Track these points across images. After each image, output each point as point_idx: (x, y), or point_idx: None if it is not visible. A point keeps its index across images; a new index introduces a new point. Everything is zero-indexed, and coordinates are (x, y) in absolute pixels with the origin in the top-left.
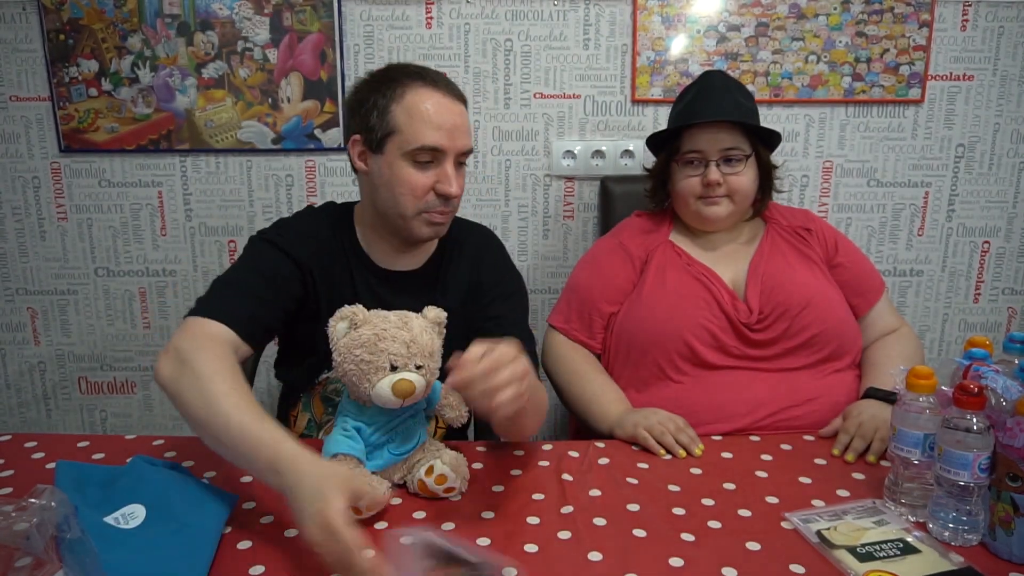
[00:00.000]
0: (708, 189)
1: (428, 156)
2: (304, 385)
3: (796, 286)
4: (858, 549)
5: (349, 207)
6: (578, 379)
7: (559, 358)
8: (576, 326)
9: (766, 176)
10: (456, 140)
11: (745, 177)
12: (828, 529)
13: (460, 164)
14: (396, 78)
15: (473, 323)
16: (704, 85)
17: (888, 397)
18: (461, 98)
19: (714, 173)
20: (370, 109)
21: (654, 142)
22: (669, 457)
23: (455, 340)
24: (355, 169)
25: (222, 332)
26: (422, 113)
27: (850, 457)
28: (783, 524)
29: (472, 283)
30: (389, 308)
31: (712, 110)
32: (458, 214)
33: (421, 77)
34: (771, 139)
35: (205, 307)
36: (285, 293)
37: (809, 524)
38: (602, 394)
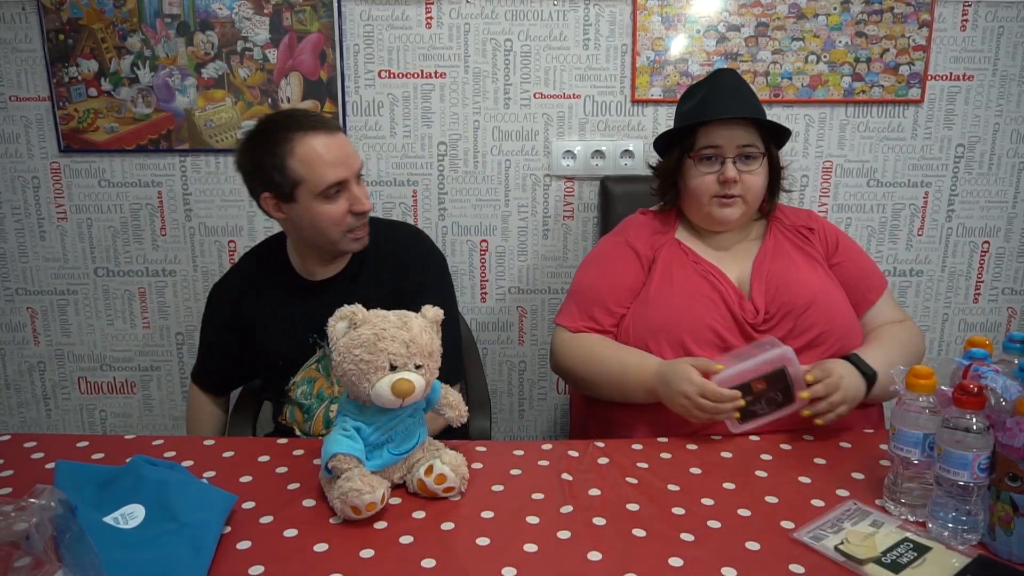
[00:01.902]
0: (724, 186)
1: (336, 188)
2: (277, 400)
3: (800, 285)
4: (883, 559)
5: (280, 238)
6: (594, 357)
7: (572, 353)
8: (585, 324)
9: (775, 176)
10: (352, 165)
11: (759, 176)
12: (843, 543)
13: (359, 179)
14: (277, 134)
15: None
16: (717, 82)
17: (867, 371)
18: (338, 127)
19: (731, 170)
20: (268, 170)
21: (663, 141)
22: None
23: None
24: (270, 215)
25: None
26: (316, 158)
27: (806, 413)
28: (793, 535)
29: (397, 284)
30: (313, 313)
31: (732, 106)
32: (454, 214)
33: (299, 125)
34: (780, 139)
35: (193, 373)
36: (227, 343)
37: (822, 541)
38: (627, 364)
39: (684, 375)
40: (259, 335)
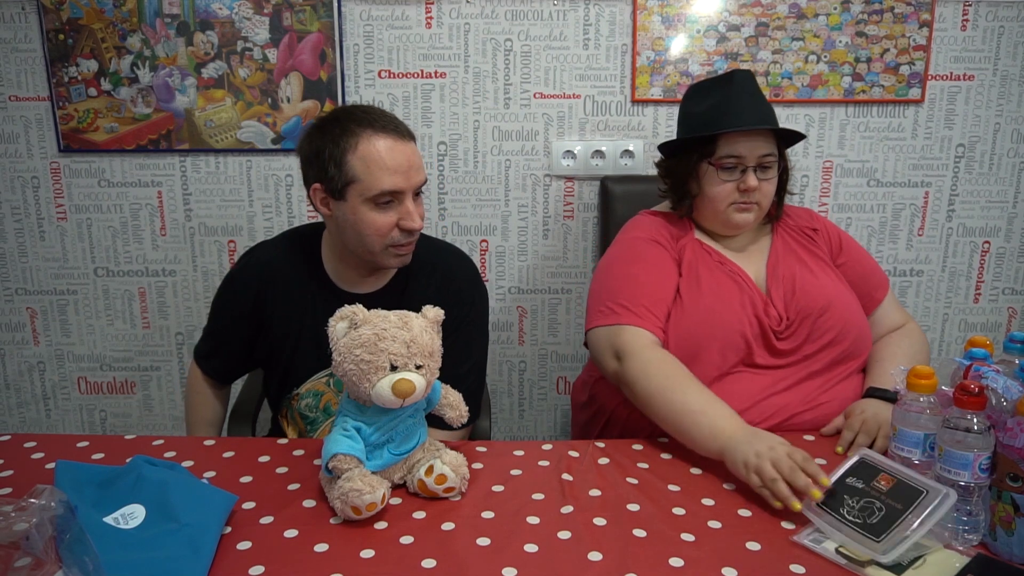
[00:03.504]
0: (744, 195)
1: (388, 198)
2: (279, 399)
3: (816, 290)
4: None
5: (318, 232)
6: (676, 388)
7: (646, 362)
8: (651, 322)
9: (783, 180)
10: (411, 178)
11: (774, 184)
12: (842, 546)
13: (417, 195)
14: (346, 126)
15: None
16: (735, 86)
17: (889, 396)
18: (410, 135)
19: (753, 180)
20: (327, 160)
21: (674, 142)
22: (780, 506)
23: None
24: (316, 209)
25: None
26: (377, 160)
27: (839, 450)
28: (793, 538)
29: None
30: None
31: (757, 116)
32: (454, 214)
33: (370, 123)
34: (788, 142)
35: (196, 351)
36: (238, 335)
37: (823, 544)
38: (708, 408)
39: (780, 440)
40: (275, 335)
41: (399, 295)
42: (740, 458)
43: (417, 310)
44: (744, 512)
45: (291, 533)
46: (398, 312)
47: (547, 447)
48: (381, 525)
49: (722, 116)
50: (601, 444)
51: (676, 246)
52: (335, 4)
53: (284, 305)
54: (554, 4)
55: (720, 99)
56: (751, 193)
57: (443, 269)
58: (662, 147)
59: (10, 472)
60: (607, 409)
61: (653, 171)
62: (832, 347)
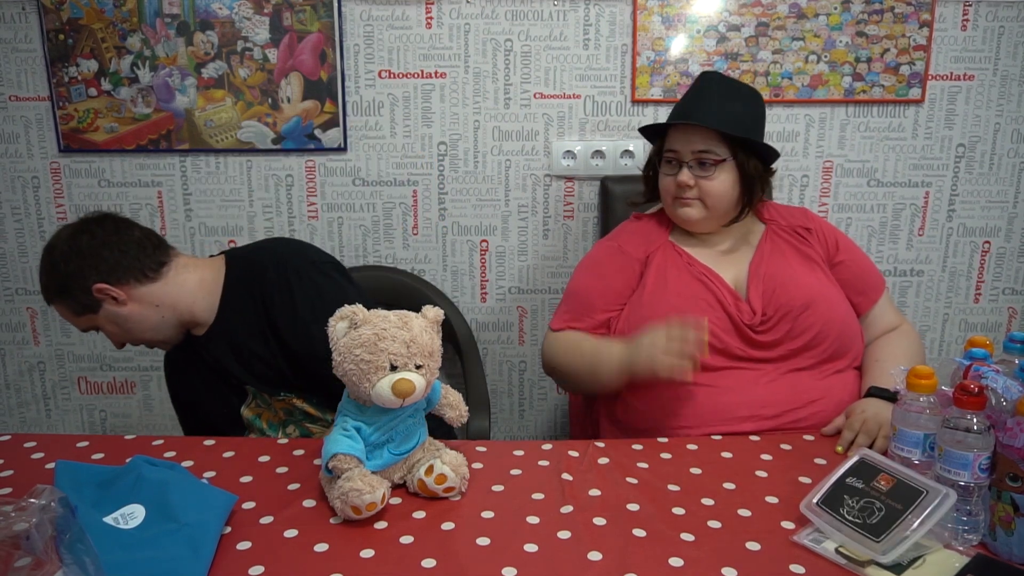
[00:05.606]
0: (679, 190)
1: None
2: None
3: (798, 287)
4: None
5: None
6: (574, 348)
7: (557, 352)
8: (570, 326)
9: (748, 184)
10: None
11: (717, 182)
12: (841, 546)
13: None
14: None
15: (300, 366)
16: (698, 87)
17: (890, 396)
18: (47, 298)
19: (684, 175)
20: None
21: (648, 137)
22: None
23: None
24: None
25: None
26: None
27: (839, 450)
28: (793, 538)
29: (267, 316)
30: (213, 367)
31: (695, 114)
32: (454, 214)
33: None
34: (763, 148)
35: None
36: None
37: (823, 544)
38: (600, 349)
39: (650, 331)
40: (197, 401)
41: (222, 326)
42: (643, 352)
43: (249, 327)
44: (744, 512)
45: (291, 533)
46: (398, 312)
47: (547, 447)
48: (381, 525)
49: (672, 114)
50: (601, 444)
51: (647, 250)
52: (335, 4)
53: (184, 377)
54: (554, 4)
55: (682, 99)
56: (685, 189)
57: (249, 274)
58: (643, 131)
59: (10, 472)
60: (607, 409)
61: None
62: (815, 344)
